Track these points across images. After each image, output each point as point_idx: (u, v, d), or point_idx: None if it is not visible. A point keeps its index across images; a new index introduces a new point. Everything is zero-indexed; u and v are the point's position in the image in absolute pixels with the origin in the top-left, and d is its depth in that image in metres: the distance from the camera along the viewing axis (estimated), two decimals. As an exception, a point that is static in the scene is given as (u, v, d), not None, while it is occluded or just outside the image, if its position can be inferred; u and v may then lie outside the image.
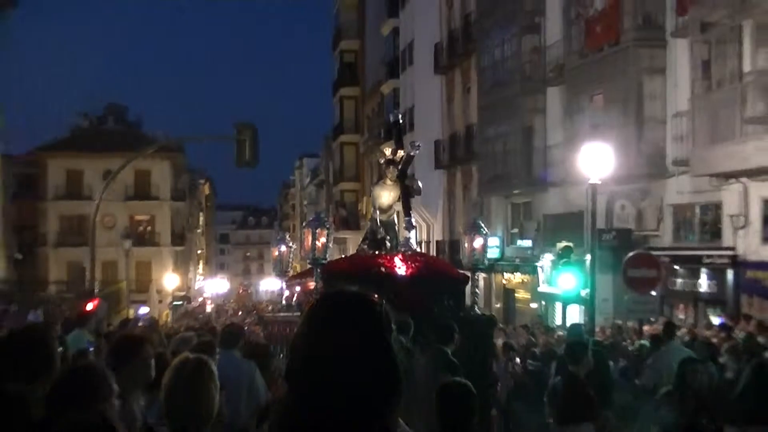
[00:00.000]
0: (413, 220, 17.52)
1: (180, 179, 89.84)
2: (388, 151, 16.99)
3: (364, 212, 67.30)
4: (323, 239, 15.16)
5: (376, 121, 70.76)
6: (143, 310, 56.96)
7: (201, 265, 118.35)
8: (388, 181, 16.54)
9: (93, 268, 37.72)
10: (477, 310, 15.98)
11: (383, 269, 15.17)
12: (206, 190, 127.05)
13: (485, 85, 44.61)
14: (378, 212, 16.60)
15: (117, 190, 69.00)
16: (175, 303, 76.16)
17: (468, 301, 15.71)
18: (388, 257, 15.70)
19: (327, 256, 15.59)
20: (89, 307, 30.50)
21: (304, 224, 17.01)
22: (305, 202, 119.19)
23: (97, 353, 13.54)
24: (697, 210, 29.93)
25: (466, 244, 16.17)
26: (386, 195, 16.50)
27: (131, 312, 49.00)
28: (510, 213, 43.14)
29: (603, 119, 32.07)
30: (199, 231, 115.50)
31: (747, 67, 25.73)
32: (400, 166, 16.67)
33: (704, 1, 27.05)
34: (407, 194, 16.99)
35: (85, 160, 78.68)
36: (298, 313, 14.98)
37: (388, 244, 16.24)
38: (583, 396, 12.20)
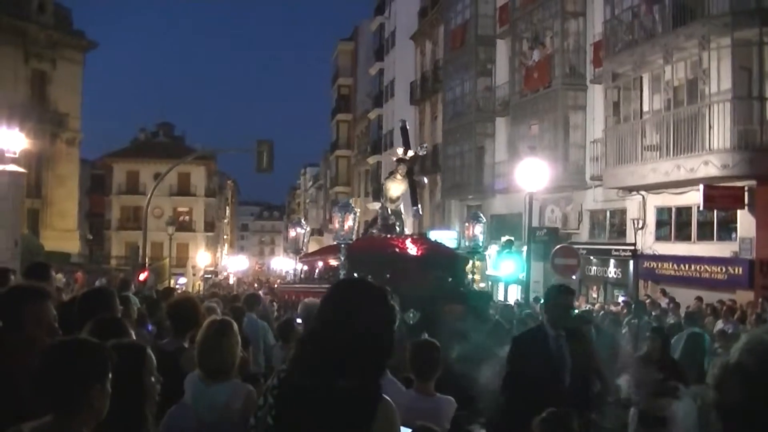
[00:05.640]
0: (419, 209, 16.72)
1: (212, 180, 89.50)
2: (400, 151, 15.91)
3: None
4: (350, 222, 13.81)
5: (363, 140, 70.63)
6: (182, 280, 56.89)
7: (226, 247, 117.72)
8: (398, 176, 15.51)
9: (145, 247, 37.64)
10: (474, 287, 15.13)
11: (397, 250, 14.25)
12: (232, 189, 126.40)
13: (448, 114, 44.60)
14: (388, 202, 15.66)
15: (164, 188, 68.76)
16: (205, 276, 75.69)
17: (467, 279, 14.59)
18: (401, 240, 14.79)
19: (353, 237, 14.21)
20: (142, 276, 30.42)
21: (334, 209, 15.45)
22: (307, 201, 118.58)
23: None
24: (608, 214, 30.10)
25: (466, 232, 15.19)
26: (395, 188, 15.58)
27: (173, 281, 48.79)
28: (465, 213, 43.11)
29: (538, 143, 32.11)
30: (225, 221, 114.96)
31: (645, 107, 25.92)
32: (408, 164, 15.67)
33: (614, 57, 27.16)
34: (414, 188, 16.14)
35: (141, 165, 78.38)
36: (324, 286, 13.46)
37: (398, 229, 15.44)
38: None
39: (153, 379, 4.12)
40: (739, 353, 1.82)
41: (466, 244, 15.31)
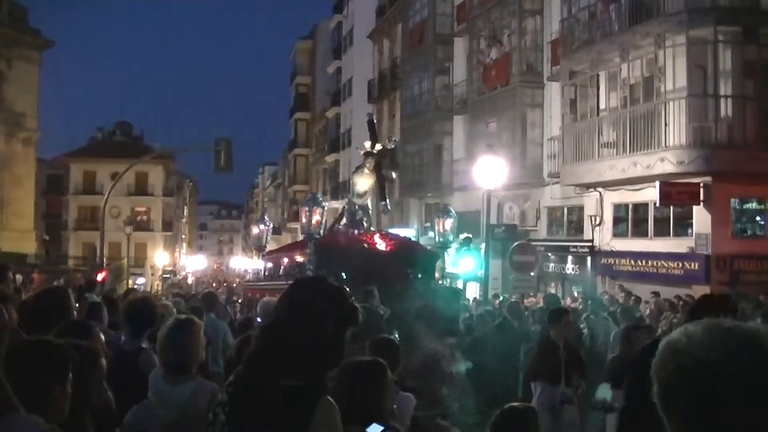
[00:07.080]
0: (388, 204, 16.23)
1: (170, 180, 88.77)
2: (367, 145, 15.51)
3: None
4: (318, 217, 13.60)
5: (322, 139, 70.47)
6: (140, 280, 56.36)
7: (185, 247, 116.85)
8: (366, 170, 15.21)
9: (102, 247, 37.11)
10: (443, 283, 14.99)
11: (366, 246, 14.02)
12: (190, 188, 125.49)
13: (406, 112, 44.59)
14: (356, 197, 15.36)
15: (122, 188, 67.94)
16: (164, 276, 75.04)
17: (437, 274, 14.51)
18: (369, 235, 14.55)
19: (321, 232, 13.98)
20: (99, 277, 30.03)
21: (301, 203, 14.44)
22: (266, 200, 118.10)
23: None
24: (565, 211, 30.24)
25: (437, 227, 15.05)
26: (363, 182, 15.30)
27: (131, 282, 48.32)
28: (423, 211, 43.14)
29: (496, 140, 32.13)
30: (184, 220, 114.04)
31: (602, 105, 26.06)
32: (376, 158, 15.26)
33: (571, 55, 27.28)
34: (383, 182, 15.67)
35: (98, 164, 77.26)
36: (284, 283, 13.04)
37: (365, 224, 15.14)
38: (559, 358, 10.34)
39: (100, 387, 4.02)
40: (723, 356, 1.78)
41: (437, 239, 15.10)
